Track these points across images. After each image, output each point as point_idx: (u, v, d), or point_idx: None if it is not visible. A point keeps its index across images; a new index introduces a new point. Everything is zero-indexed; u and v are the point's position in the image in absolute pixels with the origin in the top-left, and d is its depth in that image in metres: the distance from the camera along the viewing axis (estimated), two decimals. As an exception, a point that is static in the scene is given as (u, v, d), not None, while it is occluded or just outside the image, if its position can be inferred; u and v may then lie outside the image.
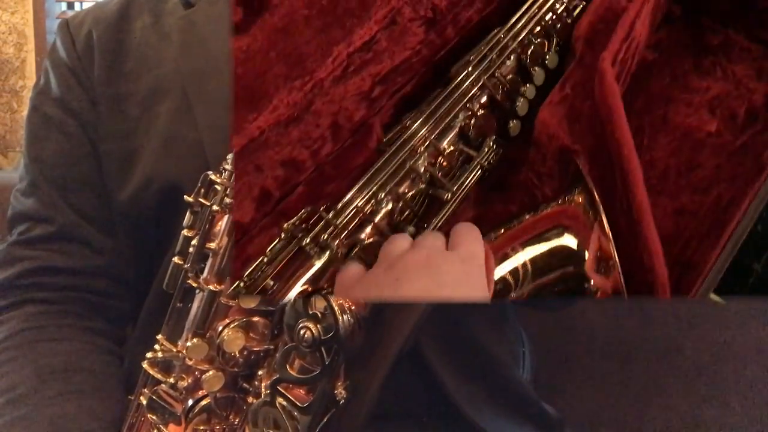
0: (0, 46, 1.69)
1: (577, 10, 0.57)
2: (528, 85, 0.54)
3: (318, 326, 0.42)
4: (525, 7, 0.55)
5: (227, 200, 0.48)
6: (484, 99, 0.52)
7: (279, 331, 0.48)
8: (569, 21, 0.56)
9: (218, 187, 0.48)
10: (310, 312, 0.43)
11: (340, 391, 0.45)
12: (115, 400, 0.59)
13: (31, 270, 0.63)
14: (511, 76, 0.53)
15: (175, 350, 0.50)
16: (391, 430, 0.57)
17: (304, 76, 0.53)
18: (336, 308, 0.42)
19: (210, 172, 0.49)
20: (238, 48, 0.52)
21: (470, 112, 0.51)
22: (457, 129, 0.51)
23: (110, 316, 0.66)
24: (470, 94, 0.51)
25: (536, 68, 0.54)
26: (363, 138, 0.54)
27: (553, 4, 0.55)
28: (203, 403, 0.49)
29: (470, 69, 0.52)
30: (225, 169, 0.48)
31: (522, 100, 0.53)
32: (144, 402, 0.50)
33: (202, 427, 0.50)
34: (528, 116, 0.53)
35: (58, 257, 0.64)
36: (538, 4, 0.55)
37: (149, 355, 0.50)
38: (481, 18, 0.58)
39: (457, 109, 0.51)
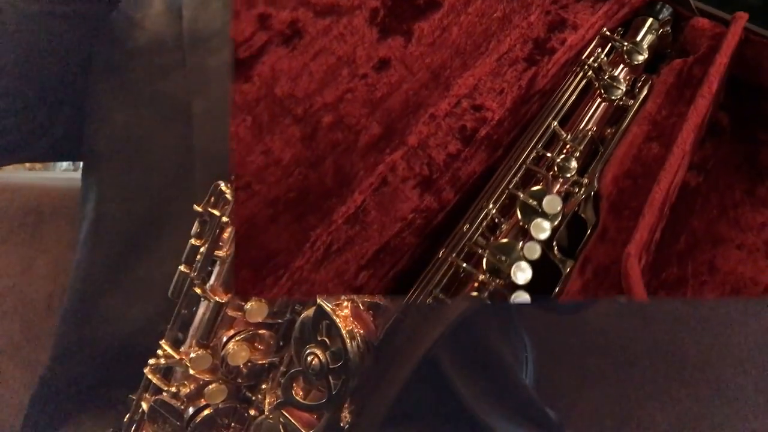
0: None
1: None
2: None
3: (326, 354, 0.41)
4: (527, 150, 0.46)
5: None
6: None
7: (284, 344, 0.47)
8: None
9: (228, 197, 0.47)
10: (319, 338, 0.41)
11: (345, 415, 0.44)
12: None
13: None
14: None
15: (177, 357, 0.49)
16: (396, 429, 0.57)
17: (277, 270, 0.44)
18: (345, 334, 0.41)
19: (221, 182, 0.47)
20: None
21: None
22: None
23: None
24: None
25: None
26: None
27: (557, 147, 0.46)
28: (205, 412, 0.48)
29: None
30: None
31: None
32: (145, 408, 0.49)
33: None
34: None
35: None
36: (542, 143, 0.47)
37: (152, 361, 0.49)
38: (484, 169, 0.49)
39: None
